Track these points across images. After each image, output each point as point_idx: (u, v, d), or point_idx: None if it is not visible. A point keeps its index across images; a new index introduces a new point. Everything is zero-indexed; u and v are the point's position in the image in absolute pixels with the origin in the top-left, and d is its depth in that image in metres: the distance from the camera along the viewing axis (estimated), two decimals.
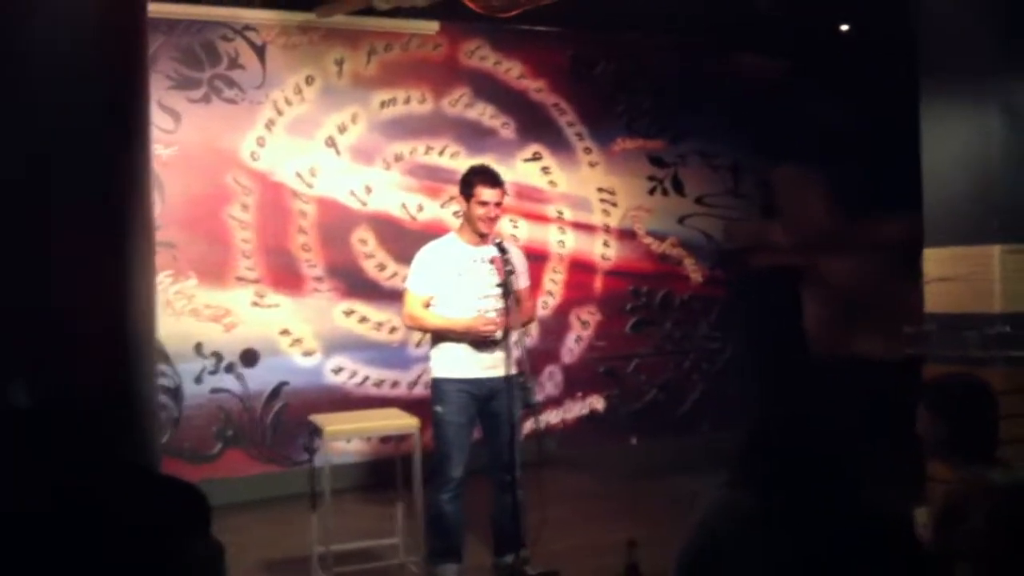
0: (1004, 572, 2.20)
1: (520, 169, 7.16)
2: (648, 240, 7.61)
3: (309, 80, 6.53)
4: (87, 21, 3.06)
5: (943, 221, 4.38)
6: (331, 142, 6.59)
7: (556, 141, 7.31)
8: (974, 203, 4.28)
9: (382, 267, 6.69)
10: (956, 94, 4.36)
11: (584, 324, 7.38)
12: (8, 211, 2.85)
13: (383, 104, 6.74)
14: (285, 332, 6.42)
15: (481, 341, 4.40)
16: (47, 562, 1.58)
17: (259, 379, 6.34)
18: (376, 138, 6.72)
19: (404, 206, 6.78)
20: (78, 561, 1.58)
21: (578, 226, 7.37)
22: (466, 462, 4.43)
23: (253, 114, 6.37)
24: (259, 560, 5.00)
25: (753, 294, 7.70)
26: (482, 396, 4.45)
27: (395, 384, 6.71)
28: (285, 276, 6.42)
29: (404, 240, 6.34)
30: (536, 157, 7.24)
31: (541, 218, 7.26)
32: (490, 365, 4.43)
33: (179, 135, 6.15)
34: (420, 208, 6.82)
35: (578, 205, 7.38)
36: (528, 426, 6.33)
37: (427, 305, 4.50)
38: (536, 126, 7.22)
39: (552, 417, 7.20)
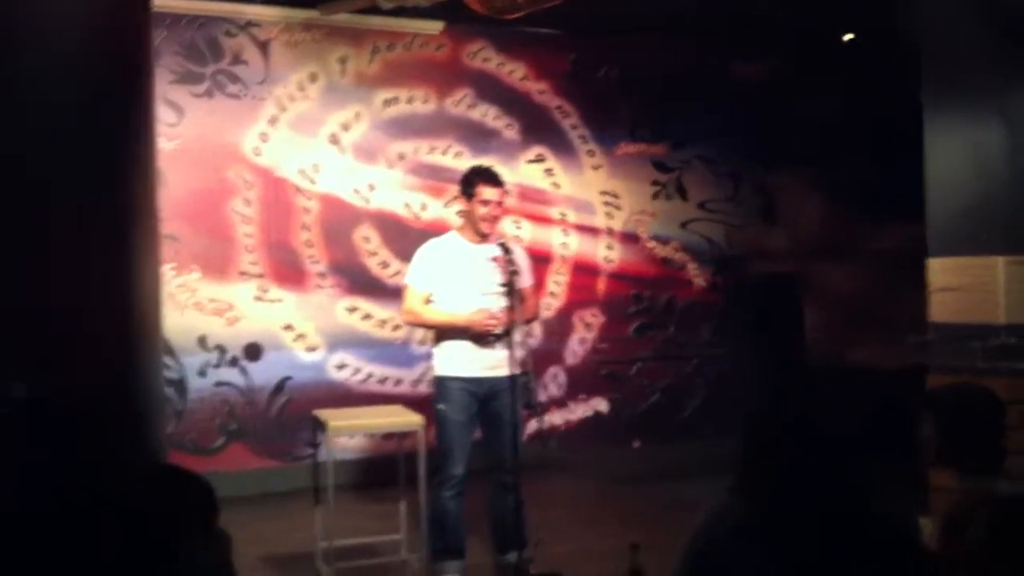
0: None
1: (523, 171, 7.17)
2: (651, 244, 7.62)
3: (312, 77, 6.54)
4: (91, 15, 3.06)
5: (947, 231, 4.39)
6: (334, 139, 6.60)
7: (559, 143, 7.32)
8: (978, 213, 4.29)
9: (385, 265, 6.70)
10: (959, 105, 4.38)
11: (587, 326, 7.39)
12: (13, 205, 2.86)
13: (386, 103, 6.75)
14: (288, 327, 6.43)
15: (481, 337, 4.40)
16: (57, 553, 1.59)
17: (263, 373, 6.35)
18: (379, 136, 6.73)
19: (407, 205, 6.79)
20: (87, 552, 1.60)
21: (581, 229, 7.38)
22: (468, 460, 4.44)
23: (256, 110, 6.38)
24: (261, 555, 5.01)
25: (753, 301, 7.72)
26: (484, 395, 4.46)
27: (398, 381, 6.72)
28: (288, 271, 6.43)
29: (407, 238, 6.34)
30: (539, 159, 7.25)
31: (544, 220, 7.27)
32: (493, 364, 4.44)
33: (182, 129, 6.16)
34: (423, 207, 6.83)
35: (581, 208, 7.39)
36: (531, 427, 6.36)
37: (427, 302, 4.51)
38: (539, 128, 7.23)
39: (555, 419, 7.21)
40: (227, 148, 6.29)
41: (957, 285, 4.29)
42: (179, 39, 6.15)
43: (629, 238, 7.54)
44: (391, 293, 6.48)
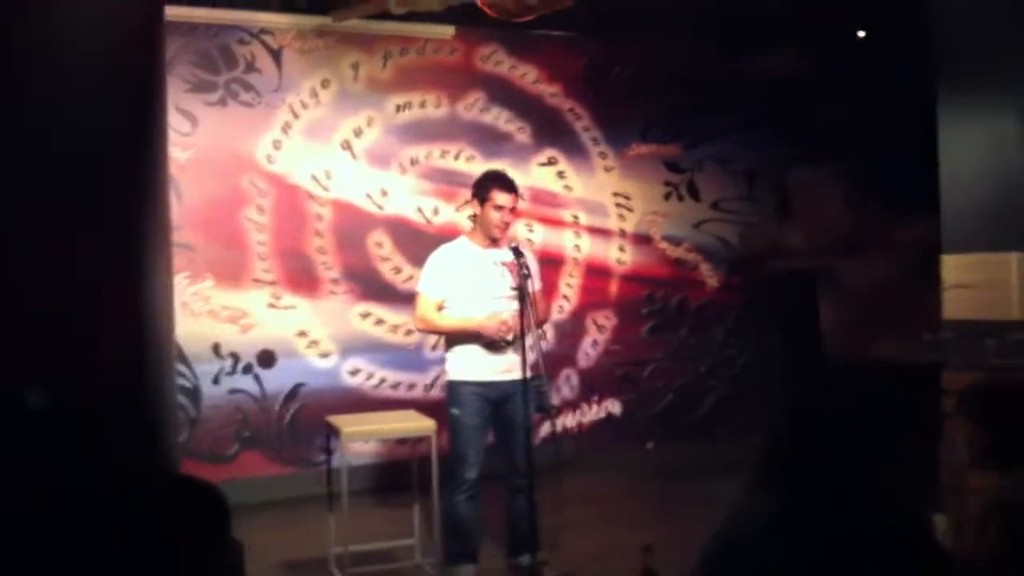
0: None
1: (535, 174, 7.17)
2: (664, 245, 7.60)
3: (325, 84, 6.56)
4: (105, 25, 3.08)
5: (961, 228, 4.37)
6: (347, 146, 6.62)
7: (571, 146, 7.31)
8: (992, 210, 4.27)
9: (398, 270, 6.71)
10: (974, 101, 4.35)
11: (600, 328, 7.38)
12: (27, 214, 2.88)
13: (399, 108, 6.76)
14: (302, 334, 6.44)
15: (493, 342, 4.40)
16: (67, 564, 1.59)
17: (276, 380, 6.37)
18: (392, 142, 6.74)
19: (420, 210, 6.80)
20: (99, 562, 1.59)
21: (594, 231, 7.37)
22: (481, 464, 4.44)
23: (269, 117, 6.40)
24: (276, 561, 5.02)
25: (772, 298, 7.69)
26: (497, 399, 4.46)
27: (411, 386, 6.73)
28: (301, 278, 6.45)
29: (420, 243, 6.34)
30: (551, 162, 7.25)
31: (557, 222, 7.26)
32: (505, 368, 4.44)
33: (196, 138, 6.18)
34: (436, 212, 6.84)
35: (594, 210, 7.38)
36: (545, 429, 6.36)
37: (440, 308, 4.51)
38: (551, 131, 7.23)
39: (568, 421, 7.20)
40: (240, 156, 6.32)
41: (971, 282, 4.27)
42: (193, 48, 6.18)
43: (641, 239, 7.53)
44: (404, 298, 6.48)
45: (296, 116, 6.47)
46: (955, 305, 4.35)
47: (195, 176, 6.15)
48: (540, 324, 4.75)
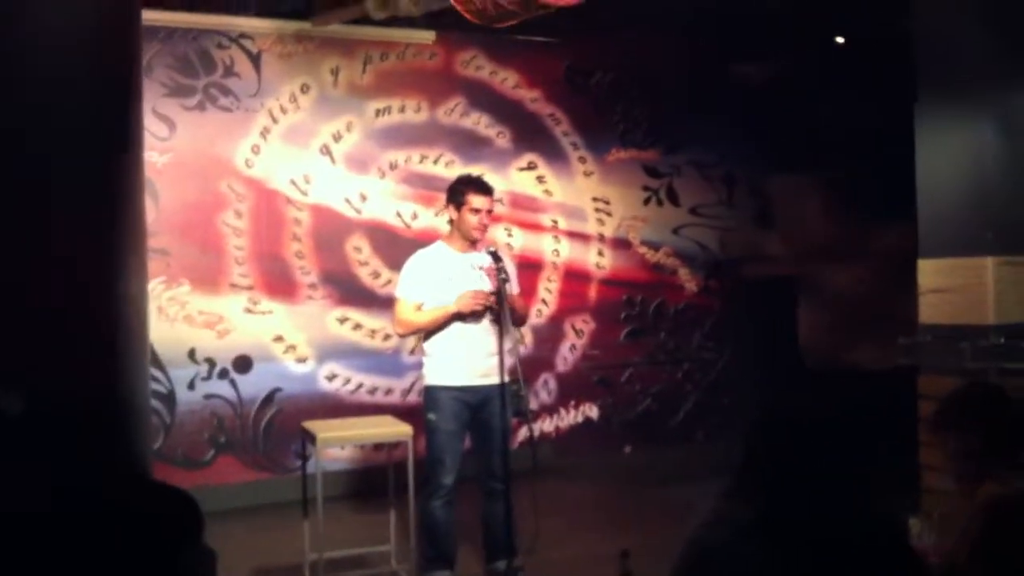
0: None
1: (515, 178, 7.17)
2: (643, 250, 7.62)
3: (304, 88, 6.53)
4: (80, 27, 3.05)
5: (937, 232, 4.40)
6: (326, 150, 6.59)
7: (551, 151, 7.32)
8: (968, 214, 4.30)
9: (376, 275, 6.68)
10: (951, 106, 4.38)
11: (578, 333, 7.38)
12: None
13: (378, 113, 6.75)
14: (279, 339, 6.41)
15: (476, 315, 4.38)
16: (36, 570, 1.57)
17: (252, 385, 6.33)
18: (371, 146, 6.72)
19: (399, 214, 6.78)
20: (68, 569, 1.57)
21: (573, 235, 7.38)
22: (458, 469, 4.42)
23: (248, 122, 6.37)
24: (251, 567, 4.98)
25: (750, 304, 7.72)
26: (475, 404, 4.45)
27: (388, 391, 6.70)
28: (279, 283, 6.41)
29: (398, 248, 6.32)
30: (531, 166, 7.25)
31: (536, 227, 7.26)
32: (483, 373, 4.43)
33: (174, 142, 6.14)
34: (415, 216, 6.82)
35: (573, 214, 7.39)
36: (522, 434, 6.35)
37: (418, 311, 4.50)
38: (531, 136, 7.24)
39: (546, 425, 7.20)
40: (219, 161, 6.28)
41: (947, 286, 4.29)
42: (171, 52, 6.14)
43: (620, 244, 7.54)
44: (382, 303, 6.46)
45: (275, 121, 6.44)
46: (931, 309, 4.37)
47: (172, 180, 6.11)
48: (520, 323, 4.76)
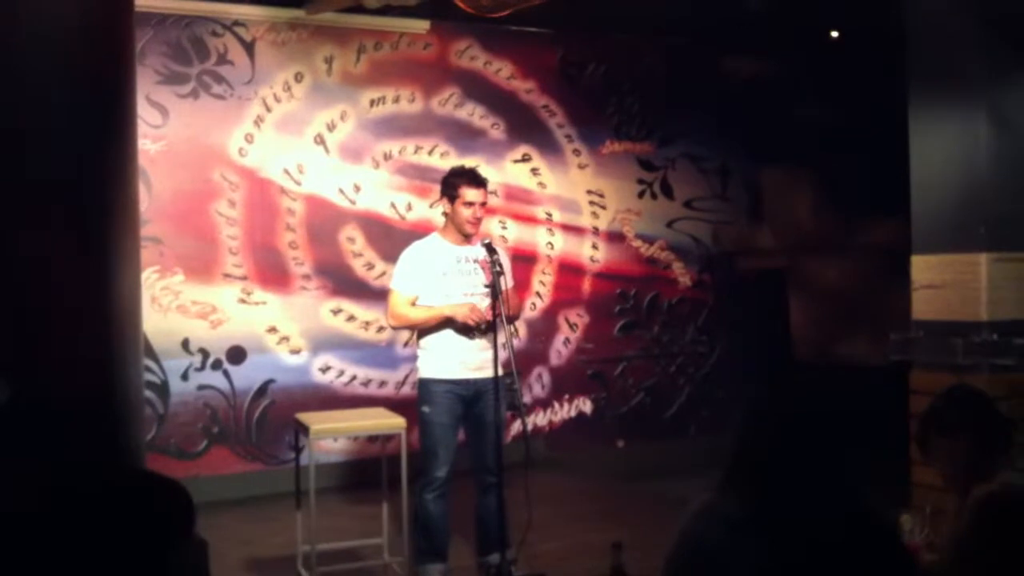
0: None
1: (509, 170, 7.16)
2: (637, 243, 7.62)
3: (298, 77, 6.51)
4: (72, 15, 3.04)
5: (930, 228, 4.40)
6: (320, 140, 6.58)
7: (546, 143, 7.31)
8: (961, 211, 4.30)
9: (370, 266, 6.67)
10: (944, 102, 4.38)
11: (572, 326, 7.38)
12: None
13: (372, 103, 6.73)
14: (272, 330, 6.40)
15: (466, 329, 4.37)
16: (28, 560, 1.56)
17: (246, 376, 6.32)
18: (365, 136, 6.71)
19: (393, 205, 6.77)
20: (60, 559, 1.57)
21: (567, 228, 7.38)
22: (452, 462, 4.42)
23: (241, 110, 6.35)
24: (243, 558, 4.98)
25: (742, 297, 7.74)
26: (468, 397, 4.44)
27: (382, 384, 6.70)
28: (272, 274, 6.40)
29: (392, 239, 6.33)
30: (525, 158, 7.24)
31: (530, 219, 7.26)
32: (477, 366, 4.42)
33: (167, 130, 6.12)
34: (409, 207, 6.81)
35: (567, 207, 7.38)
36: (515, 428, 6.35)
37: (412, 304, 4.49)
38: (526, 127, 7.22)
39: (539, 419, 7.21)
40: (212, 149, 6.26)
41: (940, 282, 4.30)
42: (164, 39, 6.12)
43: (614, 237, 7.54)
44: (376, 295, 6.45)
45: (269, 109, 6.42)
46: (924, 305, 4.38)
47: (166, 169, 6.09)
48: (512, 320, 4.75)
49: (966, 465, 2.65)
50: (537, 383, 7.23)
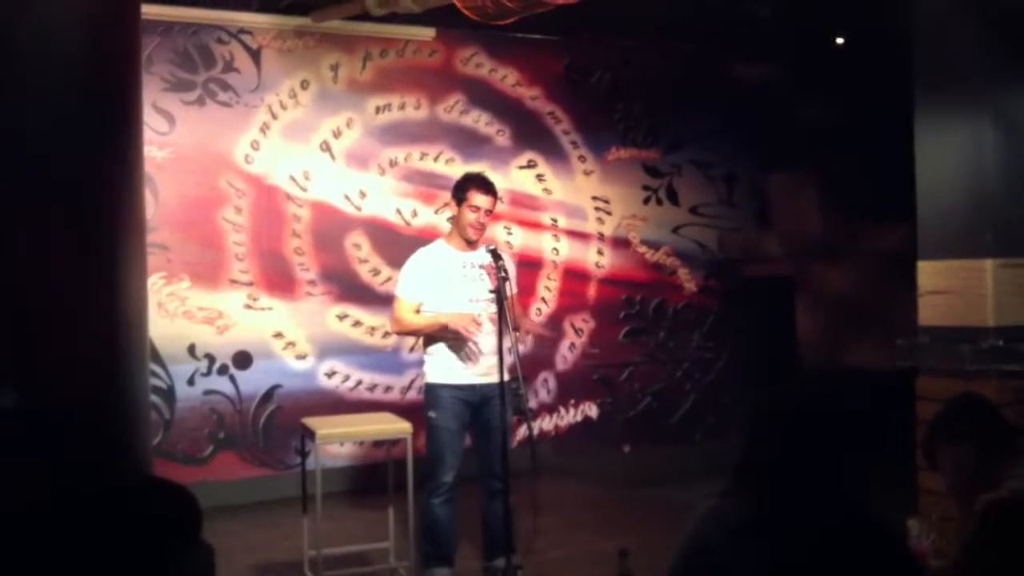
0: None
1: (515, 176, 7.17)
2: (642, 249, 7.62)
3: (304, 84, 6.53)
4: (78, 22, 3.05)
5: (937, 234, 4.39)
6: (326, 147, 6.59)
7: (551, 149, 7.32)
8: (967, 217, 4.29)
9: (376, 272, 6.68)
10: (950, 107, 4.38)
11: (578, 331, 7.38)
12: None
13: (378, 109, 6.75)
14: (278, 335, 6.41)
15: (463, 340, 4.36)
16: (36, 565, 1.57)
17: (252, 382, 6.33)
18: (371, 143, 6.72)
19: (399, 211, 6.78)
20: (68, 564, 1.57)
21: (572, 234, 7.38)
22: (458, 467, 4.42)
23: (248, 117, 6.36)
24: (250, 564, 4.98)
25: (747, 303, 7.73)
26: (475, 402, 4.45)
27: (388, 389, 6.70)
28: (278, 279, 6.41)
29: (398, 245, 6.33)
30: (531, 165, 7.25)
31: (535, 225, 7.26)
32: (483, 371, 4.43)
33: (173, 137, 6.14)
34: (415, 214, 6.82)
35: (572, 213, 7.39)
36: (521, 433, 6.35)
37: (417, 311, 4.49)
38: (531, 134, 7.23)
39: (545, 424, 7.20)
40: (218, 156, 6.28)
41: (946, 288, 4.29)
42: (171, 47, 6.14)
43: (620, 243, 7.54)
44: (382, 300, 6.46)
45: (275, 116, 6.44)
46: (930, 311, 4.37)
47: (172, 176, 6.11)
48: (517, 327, 4.75)
49: (972, 473, 2.64)
50: (543, 388, 7.23)
